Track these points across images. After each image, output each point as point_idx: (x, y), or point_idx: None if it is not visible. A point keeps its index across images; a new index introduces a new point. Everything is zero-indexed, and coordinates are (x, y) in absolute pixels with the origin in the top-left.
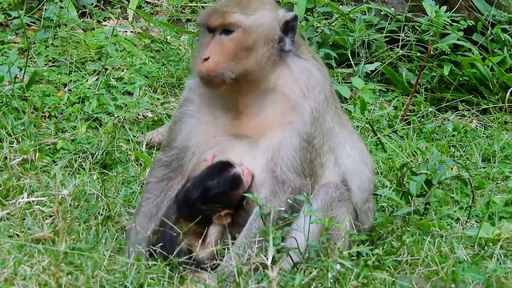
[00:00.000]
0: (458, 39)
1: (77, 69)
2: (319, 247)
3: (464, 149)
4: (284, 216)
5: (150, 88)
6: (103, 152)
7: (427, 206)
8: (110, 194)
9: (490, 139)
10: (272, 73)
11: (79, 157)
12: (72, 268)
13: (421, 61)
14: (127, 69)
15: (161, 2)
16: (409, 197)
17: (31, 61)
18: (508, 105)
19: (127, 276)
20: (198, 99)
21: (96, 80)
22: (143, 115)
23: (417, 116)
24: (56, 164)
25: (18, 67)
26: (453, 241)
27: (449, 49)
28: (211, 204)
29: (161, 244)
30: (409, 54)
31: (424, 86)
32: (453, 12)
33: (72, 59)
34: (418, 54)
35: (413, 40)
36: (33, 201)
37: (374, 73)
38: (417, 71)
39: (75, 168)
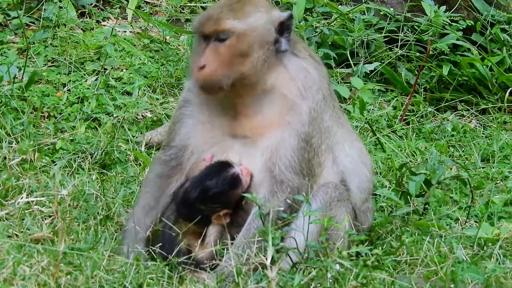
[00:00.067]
0: (457, 39)
1: (76, 69)
2: (318, 247)
3: (463, 149)
4: (283, 216)
5: (149, 88)
6: (102, 152)
7: (426, 206)
8: (109, 194)
9: (489, 139)
10: (269, 74)
11: (78, 157)
12: (71, 268)
13: (420, 61)
14: (126, 69)
15: (160, 2)
16: (408, 197)
17: (30, 61)
18: (507, 105)
19: (126, 276)
20: (197, 100)
21: (95, 80)
22: (142, 115)
23: (416, 116)
24: (55, 164)
25: (17, 67)
26: (452, 241)
27: (448, 49)
28: (210, 204)
29: (160, 244)
30: (408, 54)
31: (423, 86)
32: (452, 12)
33: (71, 59)
34: (417, 54)
35: (412, 40)
36: (32, 201)
37: (373, 73)
38: (416, 71)
39: (74, 168)
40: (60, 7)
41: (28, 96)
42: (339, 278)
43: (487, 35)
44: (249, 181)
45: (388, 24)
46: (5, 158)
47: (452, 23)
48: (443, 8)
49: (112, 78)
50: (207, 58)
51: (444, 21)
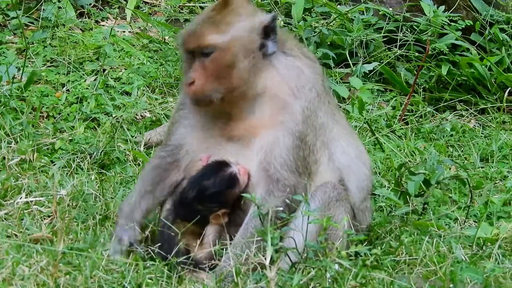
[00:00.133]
0: (456, 39)
1: (75, 69)
2: (317, 247)
3: (462, 149)
4: (282, 216)
5: (148, 88)
6: (101, 152)
7: (425, 206)
8: (108, 194)
9: (488, 139)
10: (259, 79)
11: (77, 157)
12: (70, 268)
13: (419, 61)
14: (125, 69)
15: (159, 2)
16: (407, 197)
17: (29, 61)
18: (506, 105)
19: (125, 276)
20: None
21: (94, 80)
22: (141, 115)
23: (415, 116)
24: (54, 164)
25: (16, 67)
26: (451, 241)
27: (447, 49)
28: (207, 204)
29: (159, 244)
30: (407, 54)
31: (422, 86)
32: (451, 12)
33: (70, 59)
34: (416, 54)
35: (411, 40)
36: (31, 201)
37: (372, 73)
38: (415, 71)
39: (73, 168)
40: (59, 7)
41: (27, 96)
42: (338, 278)
43: (486, 35)
44: (247, 181)
45: (387, 24)
46: (4, 158)
47: (451, 23)
48: (442, 8)
49: (111, 78)
50: (195, 74)
51: (443, 21)
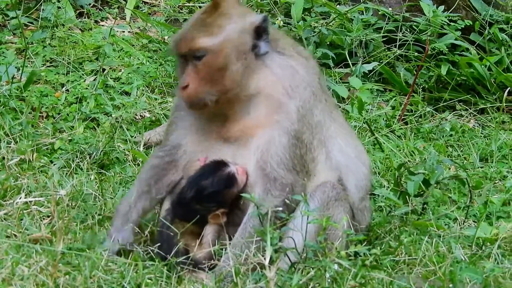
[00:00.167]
0: (456, 39)
1: (74, 69)
2: (316, 247)
3: (461, 149)
4: (281, 216)
5: (148, 88)
6: (100, 152)
7: (425, 206)
8: (107, 194)
9: (487, 139)
10: (252, 79)
11: (76, 157)
12: (69, 268)
13: (419, 61)
14: (125, 69)
15: (159, 2)
16: (407, 197)
17: (29, 61)
18: (505, 105)
19: (124, 276)
20: None
21: (94, 80)
22: (140, 115)
23: (415, 116)
24: (54, 164)
25: (16, 67)
26: (451, 241)
27: (447, 49)
28: (205, 204)
29: (158, 244)
30: (406, 54)
31: (421, 86)
32: (450, 12)
33: (69, 59)
34: (416, 54)
35: (411, 40)
36: (30, 201)
37: (372, 73)
38: (414, 71)
39: (72, 168)
40: (59, 7)
41: (27, 96)
42: (337, 278)
43: (486, 35)
44: (245, 180)
45: (386, 24)
46: (3, 158)
47: (451, 23)
48: (442, 8)
49: (110, 78)
50: (188, 78)
51: (442, 21)
